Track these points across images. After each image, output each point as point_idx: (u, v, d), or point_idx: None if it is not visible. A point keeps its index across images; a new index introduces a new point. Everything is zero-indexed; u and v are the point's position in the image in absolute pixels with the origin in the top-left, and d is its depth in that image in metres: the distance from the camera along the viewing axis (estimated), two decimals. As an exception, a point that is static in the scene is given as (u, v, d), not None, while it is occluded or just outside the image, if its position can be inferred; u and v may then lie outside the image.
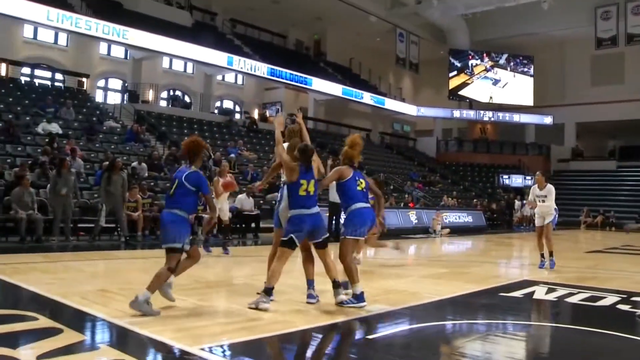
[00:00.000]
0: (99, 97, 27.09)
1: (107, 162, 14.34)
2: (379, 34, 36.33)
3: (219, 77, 31.57)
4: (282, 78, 30.09)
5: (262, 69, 28.95)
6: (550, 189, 10.30)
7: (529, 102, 39.70)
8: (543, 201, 10.27)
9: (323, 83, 32.23)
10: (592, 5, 35.96)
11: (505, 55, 40.42)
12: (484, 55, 40.21)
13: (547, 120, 39.53)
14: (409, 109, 38.78)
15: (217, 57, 27.00)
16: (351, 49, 37.10)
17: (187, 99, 31.06)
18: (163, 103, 29.66)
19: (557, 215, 10.38)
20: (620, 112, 36.52)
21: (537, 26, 36.72)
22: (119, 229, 13.23)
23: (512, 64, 40.62)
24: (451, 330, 5.42)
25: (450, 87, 39.63)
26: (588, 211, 31.34)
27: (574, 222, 29.95)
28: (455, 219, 25.69)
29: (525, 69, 40.46)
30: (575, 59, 38.98)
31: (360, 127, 35.98)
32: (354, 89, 34.05)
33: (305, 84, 31.36)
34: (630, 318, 5.93)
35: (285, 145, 6.07)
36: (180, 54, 26.22)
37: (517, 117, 39.83)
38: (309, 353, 4.54)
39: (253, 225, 16.41)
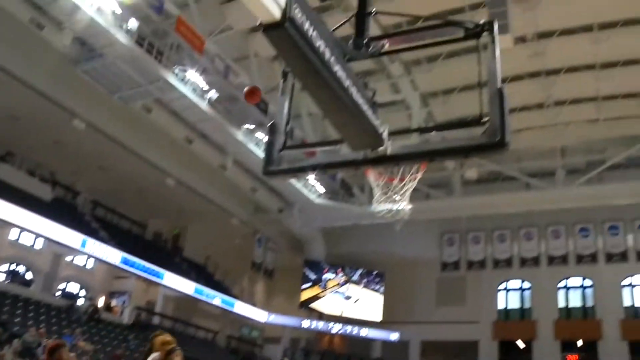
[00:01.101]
0: None
1: None
2: (239, 235, 38.06)
3: (69, 258, 30.98)
4: (135, 268, 29.87)
5: (115, 256, 28.71)
6: None
7: (378, 317, 41.75)
8: None
9: (176, 279, 32.27)
10: (439, 230, 40.18)
11: (359, 272, 43.02)
12: (339, 270, 42.59)
13: (394, 336, 41.44)
14: (259, 315, 39.42)
15: (71, 237, 26.50)
16: (209, 247, 38.23)
17: (29, 275, 29.85)
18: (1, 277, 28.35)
19: None
20: (461, 332, 39.34)
21: (389, 245, 40.30)
22: None
23: (364, 280, 43.12)
24: None
25: (302, 299, 41.18)
26: None
27: None
28: None
29: (377, 287, 43.03)
30: (423, 279, 42.27)
31: (208, 329, 36.00)
32: (207, 289, 34.32)
33: (158, 277, 31.22)
34: None
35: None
36: (33, 228, 25.47)
37: (365, 332, 41.43)
38: None
39: None
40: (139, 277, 30.99)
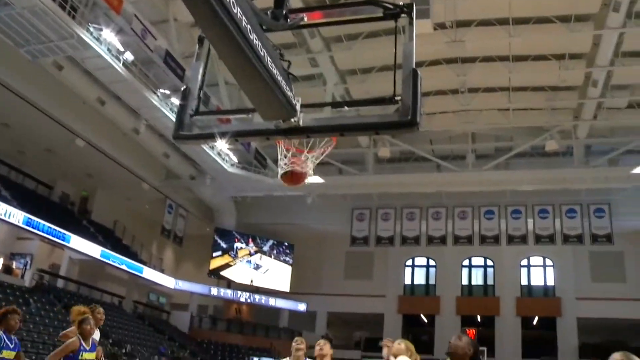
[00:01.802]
0: None
1: None
2: (149, 201, 38.02)
3: (-36, 217, 30.11)
4: (39, 230, 29.03)
5: (17, 216, 27.82)
6: None
7: (286, 288, 42.83)
8: None
9: (82, 242, 31.80)
10: (350, 206, 41.34)
11: (270, 242, 43.94)
12: (250, 239, 43.27)
13: (302, 307, 42.70)
14: (167, 281, 39.64)
15: None
16: (118, 211, 38.04)
17: None
18: None
19: None
20: (366, 305, 40.99)
21: (300, 218, 41.44)
22: None
23: (275, 251, 43.98)
24: None
25: (212, 267, 41.81)
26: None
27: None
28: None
29: (287, 258, 44.02)
30: (333, 252, 43.62)
31: (114, 293, 35.93)
32: (114, 253, 34.14)
33: (64, 240, 30.75)
34: None
35: None
36: None
37: (273, 301, 42.49)
38: None
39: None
40: (43, 239, 30.41)
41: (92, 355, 6.87)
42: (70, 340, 6.84)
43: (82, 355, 6.67)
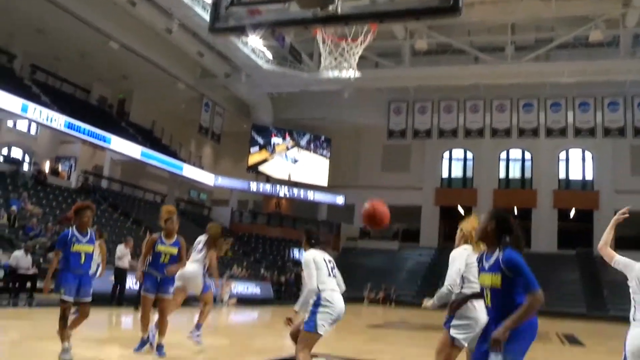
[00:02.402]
0: None
1: None
2: (185, 100, 38.36)
3: (10, 124, 31.10)
4: (80, 132, 29.94)
5: (59, 120, 28.61)
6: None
7: (324, 182, 43.68)
8: None
9: (122, 143, 32.77)
10: (387, 99, 41.18)
11: (307, 137, 44.35)
12: (286, 134, 43.78)
13: (340, 200, 43.60)
14: (207, 178, 40.74)
15: (10, 101, 26.11)
16: (155, 112, 38.63)
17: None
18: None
19: None
20: (403, 197, 41.54)
21: (337, 112, 41.50)
22: None
23: (312, 145, 44.46)
24: None
25: (250, 163, 42.71)
26: (371, 287, 34.90)
27: (359, 297, 33.26)
28: (244, 289, 27.36)
29: (324, 152, 44.53)
30: (369, 145, 43.99)
31: (157, 191, 37.11)
32: (154, 152, 35.07)
33: (104, 142, 31.63)
34: None
35: None
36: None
37: (311, 195, 43.43)
38: None
39: (29, 285, 15.68)
40: (84, 141, 31.39)
41: (167, 248, 7.96)
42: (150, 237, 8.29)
43: (157, 247, 7.91)
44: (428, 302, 5.42)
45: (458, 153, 44.22)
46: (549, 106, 38.11)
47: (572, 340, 16.25)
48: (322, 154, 44.83)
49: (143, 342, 7.85)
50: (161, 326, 7.68)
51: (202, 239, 8.96)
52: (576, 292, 34.89)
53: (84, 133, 30.17)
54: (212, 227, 9.23)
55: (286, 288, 32.70)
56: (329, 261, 6.00)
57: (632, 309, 4.80)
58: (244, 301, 24.84)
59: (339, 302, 5.74)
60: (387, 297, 34.66)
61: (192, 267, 8.60)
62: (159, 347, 7.59)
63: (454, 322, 5.06)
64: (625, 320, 4.89)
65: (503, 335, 3.57)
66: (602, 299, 33.26)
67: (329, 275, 5.84)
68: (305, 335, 5.57)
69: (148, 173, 37.16)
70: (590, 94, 37.34)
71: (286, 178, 43.29)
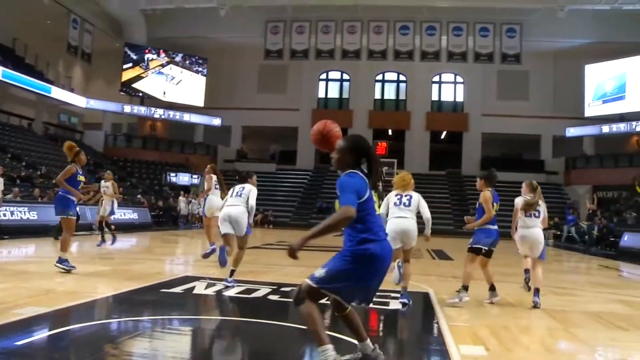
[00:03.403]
0: None
1: None
2: (51, 16, 35.99)
3: None
4: None
5: None
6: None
7: (200, 102, 43.15)
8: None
9: (-19, 63, 30.73)
10: (264, 18, 40.77)
11: (181, 54, 43.11)
12: (161, 51, 42.45)
13: (216, 121, 43.38)
14: (78, 100, 39.11)
15: None
16: (17, 28, 35.89)
17: None
18: None
19: None
20: (280, 119, 42.20)
21: (213, 30, 40.76)
22: None
23: (187, 62, 43.51)
24: (114, 329, 5.62)
25: (124, 79, 41.38)
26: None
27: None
28: (121, 215, 26.89)
29: (200, 69, 43.72)
30: (246, 66, 43.54)
31: (22, 116, 35.39)
32: (17, 73, 33.01)
33: (-42, 61, 29.51)
34: (279, 306, 7.16)
35: None
36: None
37: (188, 117, 42.94)
38: None
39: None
40: None
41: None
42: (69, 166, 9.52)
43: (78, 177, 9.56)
44: None
45: (335, 74, 44.75)
46: (424, 29, 39.27)
47: (442, 255, 17.62)
48: (197, 71, 43.95)
49: None
50: None
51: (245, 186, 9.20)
52: (445, 210, 37.26)
53: None
54: (249, 173, 9.72)
55: (164, 213, 32.56)
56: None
57: None
58: (122, 228, 24.54)
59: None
60: (264, 218, 35.35)
61: (238, 210, 8.80)
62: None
63: None
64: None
65: (297, 244, 3.74)
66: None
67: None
68: None
69: (11, 95, 34.88)
70: (464, 19, 38.77)
71: (161, 97, 42.32)
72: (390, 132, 44.17)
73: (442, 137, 44.21)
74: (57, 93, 36.74)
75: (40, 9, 34.60)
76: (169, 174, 38.80)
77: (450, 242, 24.21)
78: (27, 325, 5.33)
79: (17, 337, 4.84)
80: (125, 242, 18.26)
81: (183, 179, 38.73)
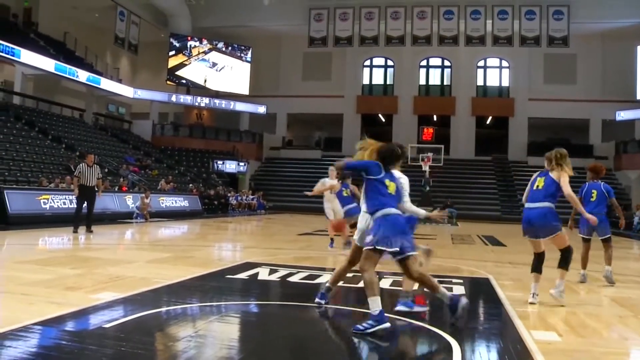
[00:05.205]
0: None
1: None
2: (98, 10, 36.86)
3: None
4: (-19, 46, 28.38)
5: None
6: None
7: (245, 90, 43.55)
8: None
9: (33, 56, 31.08)
10: (307, 6, 40.81)
11: (223, 42, 43.51)
12: (203, 38, 42.93)
13: (261, 109, 43.79)
14: (126, 91, 39.86)
15: None
16: (67, 22, 36.84)
17: None
18: None
19: None
20: (325, 106, 42.27)
21: (256, 19, 40.99)
22: None
23: (229, 49, 43.89)
24: (186, 314, 5.76)
25: (169, 67, 41.66)
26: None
27: (285, 207, 34.44)
28: (172, 203, 27.44)
29: (243, 55, 44.05)
30: (290, 53, 43.87)
31: (73, 107, 36.19)
32: (68, 66, 33.72)
33: (13, 56, 30.08)
34: (339, 291, 7.06)
35: None
36: None
37: (233, 105, 43.39)
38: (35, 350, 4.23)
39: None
40: (-12, 56, 29.59)
41: None
42: None
43: None
44: None
45: (379, 61, 44.66)
46: (469, 14, 38.83)
47: (494, 241, 17.64)
48: (241, 58, 44.34)
49: None
50: None
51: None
52: (492, 196, 37.00)
53: (-13, 46, 28.35)
54: None
55: (215, 200, 32.85)
56: None
57: None
58: (174, 215, 25.03)
59: None
60: (315, 205, 35.58)
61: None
62: None
63: None
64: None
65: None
66: (515, 202, 35.53)
67: None
68: None
69: (63, 87, 35.90)
70: (509, 3, 38.24)
71: (202, 83, 42.88)
72: (435, 118, 43.95)
73: (488, 122, 43.81)
74: (106, 84, 37.52)
75: (88, 3, 35.51)
76: (216, 162, 39.25)
77: (499, 228, 24.09)
78: (110, 308, 5.68)
79: (104, 320, 5.14)
80: (180, 229, 18.73)
81: (230, 166, 39.19)
